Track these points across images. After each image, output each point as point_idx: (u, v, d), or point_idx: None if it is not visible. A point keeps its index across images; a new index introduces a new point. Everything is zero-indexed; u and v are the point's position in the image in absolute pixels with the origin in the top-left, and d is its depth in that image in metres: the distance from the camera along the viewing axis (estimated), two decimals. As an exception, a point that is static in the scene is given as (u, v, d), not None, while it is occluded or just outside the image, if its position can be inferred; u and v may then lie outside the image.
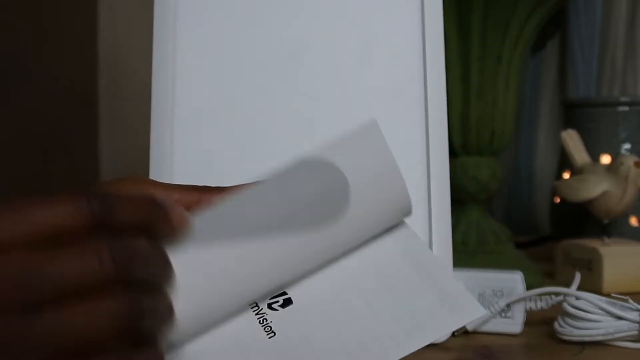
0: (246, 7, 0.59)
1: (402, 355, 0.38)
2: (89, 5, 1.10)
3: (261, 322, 0.40)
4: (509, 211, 1.17)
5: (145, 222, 0.34)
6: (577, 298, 0.55)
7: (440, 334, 0.43)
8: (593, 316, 0.54)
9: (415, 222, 0.57)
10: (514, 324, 0.57)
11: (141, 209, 0.34)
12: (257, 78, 0.58)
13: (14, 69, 1.03)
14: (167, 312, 0.35)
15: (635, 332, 0.54)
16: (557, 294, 0.57)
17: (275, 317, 0.40)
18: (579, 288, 0.56)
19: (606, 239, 0.77)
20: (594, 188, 0.75)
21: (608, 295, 0.56)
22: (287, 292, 0.41)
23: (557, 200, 0.91)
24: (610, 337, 0.54)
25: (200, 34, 0.59)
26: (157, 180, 0.46)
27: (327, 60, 0.58)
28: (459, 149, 0.75)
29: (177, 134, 0.57)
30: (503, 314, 0.57)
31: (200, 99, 0.58)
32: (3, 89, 1.02)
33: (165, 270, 0.35)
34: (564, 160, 0.88)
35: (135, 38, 1.10)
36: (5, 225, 0.30)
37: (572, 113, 0.90)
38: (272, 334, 0.39)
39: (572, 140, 0.81)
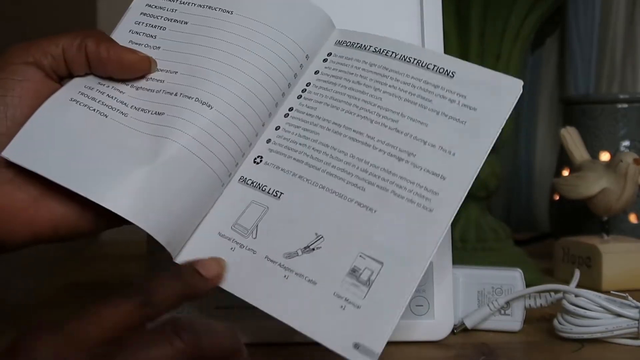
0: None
1: None
2: (88, 5, 1.10)
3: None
4: (508, 208, 1.17)
5: (185, 294, 0.42)
6: (577, 295, 0.55)
7: None
8: (592, 313, 0.54)
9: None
10: (513, 321, 0.57)
11: (176, 285, 0.42)
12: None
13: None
14: None
15: (635, 329, 0.54)
16: (556, 291, 0.57)
17: None
18: (578, 285, 0.56)
19: (605, 236, 0.77)
20: (593, 185, 0.75)
21: (607, 292, 0.56)
22: None
23: (557, 197, 0.91)
24: (609, 334, 0.54)
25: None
26: None
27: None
28: (458, 146, 0.75)
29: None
30: (502, 312, 0.57)
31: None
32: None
33: (234, 344, 0.40)
34: (563, 158, 0.88)
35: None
36: (81, 330, 0.37)
37: (571, 110, 0.90)
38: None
39: (571, 137, 0.81)
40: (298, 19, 0.53)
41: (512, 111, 0.50)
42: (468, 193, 0.46)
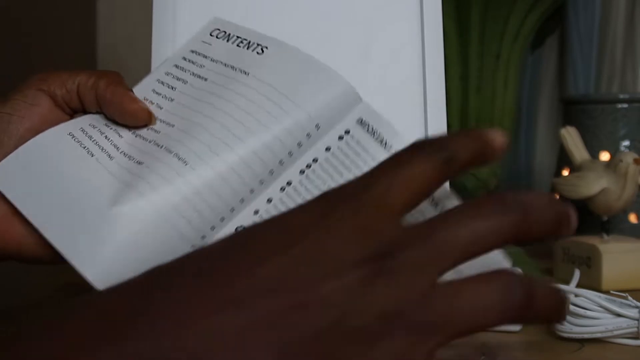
0: (244, 5, 0.59)
1: None
2: (88, 4, 1.10)
3: None
4: (508, 208, 1.17)
5: (479, 156, 0.34)
6: (576, 295, 0.55)
7: None
8: (592, 313, 0.54)
9: (415, 219, 0.57)
10: (513, 321, 0.57)
11: (473, 143, 0.33)
12: (256, 76, 0.58)
13: (13, 68, 1.03)
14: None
15: (635, 329, 0.54)
16: (556, 291, 0.57)
17: None
18: (578, 285, 0.56)
19: (605, 236, 0.77)
20: (593, 185, 0.75)
21: (607, 292, 0.56)
22: None
23: (557, 197, 0.91)
24: (609, 334, 0.54)
25: (198, 32, 0.59)
26: None
27: (326, 58, 0.58)
28: (458, 146, 0.75)
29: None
30: (502, 311, 0.57)
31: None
32: (3, 88, 1.02)
33: (559, 214, 0.32)
34: (563, 157, 0.88)
35: (134, 37, 1.10)
36: (389, 195, 0.31)
37: (571, 110, 0.90)
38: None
39: (571, 137, 0.81)
40: (316, 87, 0.50)
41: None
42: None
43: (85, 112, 0.51)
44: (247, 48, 0.52)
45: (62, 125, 0.49)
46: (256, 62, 0.51)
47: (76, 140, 0.49)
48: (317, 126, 0.49)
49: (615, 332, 0.54)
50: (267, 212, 0.47)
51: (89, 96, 0.50)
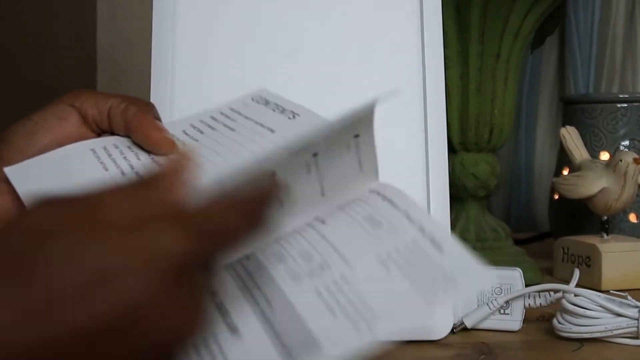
0: (245, 5, 0.59)
1: None
2: (88, 4, 1.10)
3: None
4: (507, 208, 1.17)
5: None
6: (576, 295, 0.55)
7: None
8: (592, 313, 0.54)
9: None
10: (512, 320, 0.57)
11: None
12: (255, 76, 0.58)
13: (13, 67, 1.03)
14: None
15: (634, 329, 0.54)
16: (555, 290, 0.57)
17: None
18: (578, 285, 0.56)
19: (605, 236, 0.77)
20: (592, 185, 0.75)
21: (607, 292, 0.56)
22: None
23: (556, 196, 0.91)
24: (609, 333, 0.54)
25: (199, 32, 0.59)
26: None
27: (326, 58, 0.58)
28: (458, 145, 0.75)
29: (176, 132, 0.58)
30: (502, 311, 0.57)
31: (199, 97, 0.58)
32: (2, 87, 1.02)
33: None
34: (563, 157, 0.88)
35: (134, 36, 1.10)
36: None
37: (571, 109, 0.90)
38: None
39: (570, 136, 0.81)
40: None
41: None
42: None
43: (112, 133, 0.52)
44: (281, 113, 0.53)
45: (88, 142, 0.51)
46: (285, 124, 0.52)
47: (96, 155, 0.50)
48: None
49: (615, 332, 0.54)
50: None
51: (118, 120, 0.51)
